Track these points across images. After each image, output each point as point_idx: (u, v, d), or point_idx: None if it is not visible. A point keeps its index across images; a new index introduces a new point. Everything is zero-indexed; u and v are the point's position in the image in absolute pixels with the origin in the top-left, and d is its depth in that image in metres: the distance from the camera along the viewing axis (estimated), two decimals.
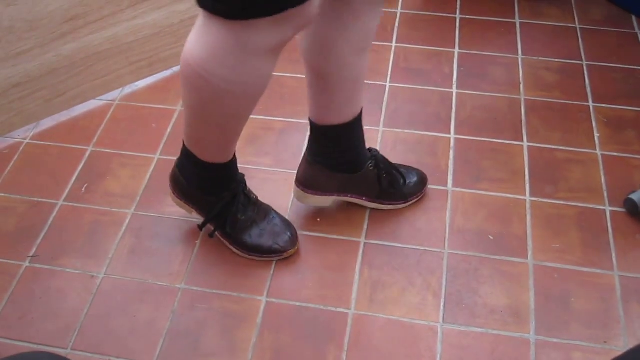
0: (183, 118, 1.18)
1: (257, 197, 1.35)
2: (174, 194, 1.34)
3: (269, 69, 1.03)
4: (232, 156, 1.25)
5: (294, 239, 1.34)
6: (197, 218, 1.35)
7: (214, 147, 1.20)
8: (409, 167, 1.45)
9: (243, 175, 1.31)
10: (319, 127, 1.29)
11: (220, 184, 1.28)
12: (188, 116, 1.15)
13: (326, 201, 1.38)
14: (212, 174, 1.26)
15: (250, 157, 1.54)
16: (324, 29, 1.14)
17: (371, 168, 1.36)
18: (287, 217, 1.39)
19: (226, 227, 1.31)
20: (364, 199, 1.40)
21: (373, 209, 1.43)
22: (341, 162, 1.33)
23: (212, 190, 1.28)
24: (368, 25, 1.16)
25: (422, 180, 1.45)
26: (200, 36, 1.00)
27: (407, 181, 1.42)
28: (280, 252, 1.33)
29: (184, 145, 1.24)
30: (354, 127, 1.30)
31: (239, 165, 1.29)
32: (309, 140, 1.34)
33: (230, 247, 1.34)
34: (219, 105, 1.07)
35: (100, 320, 1.25)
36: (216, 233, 1.33)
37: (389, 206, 1.42)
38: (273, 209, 1.37)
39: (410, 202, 1.43)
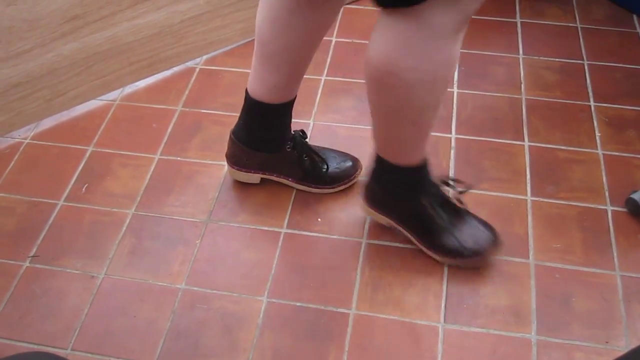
0: (373, 126, 1.18)
1: (460, 201, 1.32)
2: (368, 205, 1.34)
3: (455, 51, 1.03)
4: (424, 155, 1.23)
5: (496, 240, 1.31)
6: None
7: (408, 147, 1.19)
8: (343, 152, 1.47)
9: (434, 180, 1.29)
10: (254, 100, 1.32)
11: (418, 187, 1.26)
12: (381, 120, 1.15)
13: (252, 178, 1.45)
14: (408, 178, 1.25)
15: None
16: (287, 13, 1.18)
17: (289, 149, 1.38)
18: (287, 217, 1.39)
19: (425, 232, 1.30)
20: (289, 179, 1.44)
21: (302, 190, 1.45)
22: (261, 140, 1.38)
23: (409, 195, 1.27)
24: (331, 19, 1.22)
25: (354, 167, 1.46)
26: (382, 36, 1.00)
27: (335, 166, 1.43)
28: (482, 254, 1.30)
29: (376, 154, 1.24)
30: (287, 109, 1.35)
31: None
32: (241, 112, 1.38)
33: (430, 253, 1.32)
34: (412, 99, 1.06)
35: (100, 320, 1.25)
36: (415, 239, 1.32)
37: (315, 189, 1.44)
38: (469, 212, 1.33)
39: (338, 188, 1.45)
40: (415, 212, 1.28)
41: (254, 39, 1.25)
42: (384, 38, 1.00)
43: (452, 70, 1.06)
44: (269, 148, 1.38)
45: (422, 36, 0.97)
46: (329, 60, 1.78)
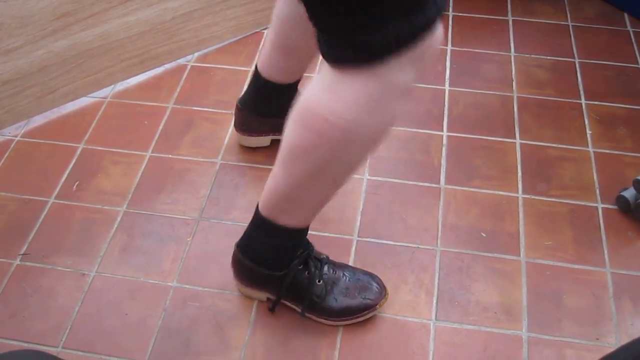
0: (275, 182, 1.07)
1: (327, 257, 1.25)
2: (241, 282, 1.25)
3: (405, 109, 1.02)
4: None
5: (381, 288, 1.24)
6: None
7: (314, 207, 1.11)
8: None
9: (309, 241, 1.22)
10: (265, 80, 1.38)
11: (293, 251, 1.18)
12: (294, 177, 1.03)
13: (263, 141, 1.51)
14: (289, 241, 1.16)
15: (242, 155, 1.53)
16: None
17: None
18: None
19: (304, 298, 1.21)
20: None
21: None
22: (270, 109, 1.44)
23: (282, 263, 1.18)
24: None
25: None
26: (335, 87, 0.92)
27: None
28: (372, 307, 1.22)
29: (257, 218, 1.15)
30: (293, 89, 1.41)
31: (232, 163, 1.27)
32: (250, 89, 1.44)
33: (318, 319, 1.23)
34: (346, 154, 0.99)
35: (91, 318, 1.25)
36: (298, 308, 1.23)
37: None
38: (349, 265, 1.28)
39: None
40: (291, 278, 1.19)
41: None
42: (341, 94, 0.91)
43: (391, 128, 1.03)
44: (281, 113, 1.30)
45: (382, 93, 0.91)
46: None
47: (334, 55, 0.89)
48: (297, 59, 1.34)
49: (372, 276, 1.25)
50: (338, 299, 1.21)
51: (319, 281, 1.20)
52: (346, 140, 0.95)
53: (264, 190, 1.11)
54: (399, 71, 0.89)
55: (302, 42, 1.28)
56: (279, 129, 1.40)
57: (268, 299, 1.25)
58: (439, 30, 0.90)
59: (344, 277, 1.23)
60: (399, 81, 0.91)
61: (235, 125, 1.51)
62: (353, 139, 0.95)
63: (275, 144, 1.46)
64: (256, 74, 1.40)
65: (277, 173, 1.06)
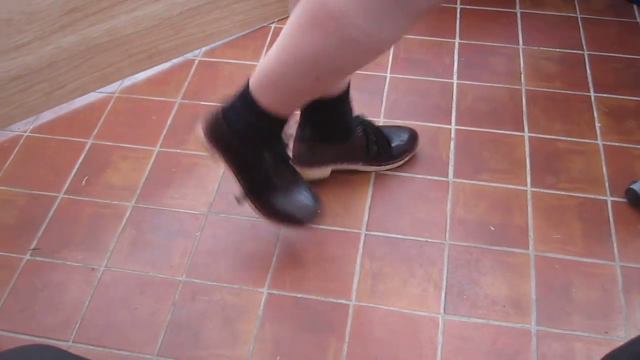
0: (268, 61, 1.07)
1: (295, 169, 1.29)
2: (206, 139, 1.22)
3: (407, 31, 0.99)
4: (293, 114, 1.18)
5: (315, 214, 1.28)
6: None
7: (293, 97, 1.12)
8: (399, 126, 1.52)
9: (287, 144, 1.25)
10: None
11: (265, 139, 1.19)
12: (287, 61, 1.04)
13: (325, 172, 1.45)
14: (264, 124, 1.16)
15: None
16: None
17: (360, 134, 1.41)
18: None
19: (256, 186, 1.24)
20: (359, 163, 1.46)
21: (372, 172, 1.48)
22: (331, 133, 1.39)
23: (253, 142, 1.19)
24: None
25: (414, 137, 1.50)
26: None
27: (396, 143, 1.47)
28: (299, 222, 1.27)
29: (244, 90, 1.14)
30: (344, 99, 1.34)
31: None
32: (300, 116, 1.38)
33: (252, 204, 1.26)
34: (337, 55, 0.99)
35: (101, 312, 1.26)
36: (237, 178, 1.24)
37: (385, 167, 1.48)
38: (304, 181, 1.30)
39: (404, 160, 1.50)
40: (253, 160, 1.21)
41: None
42: None
43: (388, 49, 1.02)
44: (340, 139, 1.40)
45: (394, 5, 0.92)
46: None
47: None
48: None
49: (318, 200, 1.29)
50: (278, 201, 1.25)
51: (276, 179, 1.23)
52: (335, 35, 0.95)
53: (258, 65, 1.12)
54: None
55: None
56: (341, 157, 1.45)
57: (236, 198, 1.28)
58: None
59: (295, 185, 1.27)
60: (418, 2, 0.92)
61: (293, 157, 1.43)
62: (343, 37, 0.95)
63: None
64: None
65: (272, 52, 1.07)
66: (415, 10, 0.94)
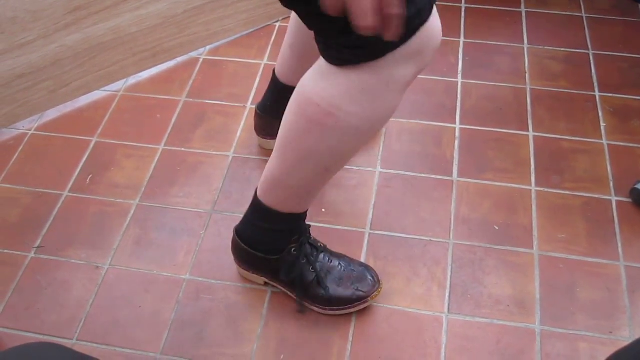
0: (272, 168, 1.09)
1: (325, 246, 1.26)
2: (240, 265, 1.28)
3: (398, 104, 0.99)
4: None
5: (375, 281, 1.24)
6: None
7: (308, 194, 1.12)
8: None
9: (308, 226, 1.23)
10: (283, 85, 1.35)
11: (288, 236, 1.19)
12: (292, 162, 1.05)
13: None
14: (284, 226, 1.18)
15: (254, 148, 1.53)
16: None
17: None
18: None
19: (297, 285, 1.22)
20: None
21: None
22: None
23: (277, 247, 1.20)
24: None
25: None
26: (330, 78, 0.93)
27: None
28: (364, 298, 1.22)
29: (254, 201, 1.17)
30: None
31: (244, 156, 1.27)
32: (266, 93, 1.42)
33: (311, 307, 1.25)
34: (339, 142, 1.00)
35: (105, 311, 1.26)
36: (293, 295, 1.25)
37: None
38: (346, 255, 1.28)
39: None
40: (285, 263, 1.20)
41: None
42: (336, 84, 0.93)
43: (386, 123, 1.02)
44: None
45: (378, 87, 0.92)
46: None
47: (332, 55, 0.91)
48: (315, 60, 1.29)
49: (367, 268, 1.25)
50: (331, 288, 1.22)
51: (311, 268, 1.21)
52: (336, 128, 0.96)
53: (262, 175, 1.13)
54: (396, 66, 0.89)
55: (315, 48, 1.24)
56: None
57: (266, 283, 1.27)
58: (435, 22, 0.90)
59: (339, 267, 1.24)
60: (396, 76, 0.91)
61: (256, 130, 1.50)
62: (343, 128, 0.96)
63: None
64: (274, 80, 1.38)
65: (273, 158, 1.08)
66: (401, 84, 0.93)
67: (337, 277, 1.23)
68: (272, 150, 1.50)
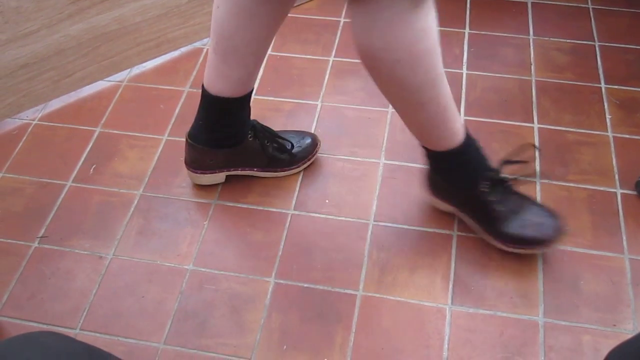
0: (401, 116, 1.17)
1: (510, 182, 1.29)
2: (433, 195, 1.34)
3: (428, 22, 1.00)
4: (462, 136, 1.20)
5: (558, 228, 1.27)
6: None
7: (433, 129, 1.17)
8: (300, 131, 1.48)
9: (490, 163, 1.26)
10: (215, 97, 1.28)
11: (476, 171, 1.24)
12: (395, 105, 1.14)
13: (217, 178, 1.42)
14: (457, 162, 1.23)
15: None
16: (253, 3, 1.15)
17: (251, 139, 1.37)
18: (294, 199, 1.39)
19: (485, 219, 1.28)
20: (255, 169, 1.42)
21: (268, 177, 1.45)
22: (223, 136, 1.35)
23: (466, 180, 1.25)
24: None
25: (314, 142, 1.46)
26: (354, 19, 0.99)
27: (296, 145, 1.44)
28: (545, 242, 1.27)
29: (421, 145, 1.24)
30: (249, 99, 1.32)
31: None
32: (197, 116, 1.34)
33: (490, 239, 1.30)
34: (400, 79, 1.04)
35: (108, 300, 1.26)
36: (475, 223, 1.31)
37: (281, 173, 1.45)
38: (533, 199, 1.32)
39: (302, 167, 1.46)
40: (474, 198, 1.26)
41: None
42: (355, 22, 0.99)
43: (431, 42, 1.03)
44: (232, 142, 1.36)
45: (387, 15, 0.96)
46: (337, 41, 1.77)
47: None
48: (242, 63, 1.24)
49: (552, 215, 1.29)
50: (513, 228, 1.27)
51: (500, 207, 1.26)
52: (385, 66, 1.02)
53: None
54: None
55: (243, 41, 1.20)
56: (233, 163, 1.40)
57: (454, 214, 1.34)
58: None
59: (526, 210, 1.28)
60: (403, 1, 0.95)
61: (185, 161, 1.42)
62: (389, 64, 1.01)
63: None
64: (204, 94, 1.30)
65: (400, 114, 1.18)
66: (410, 3, 0.96)
67: (522, 218, 1.28)
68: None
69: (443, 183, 1.29)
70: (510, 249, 1.29)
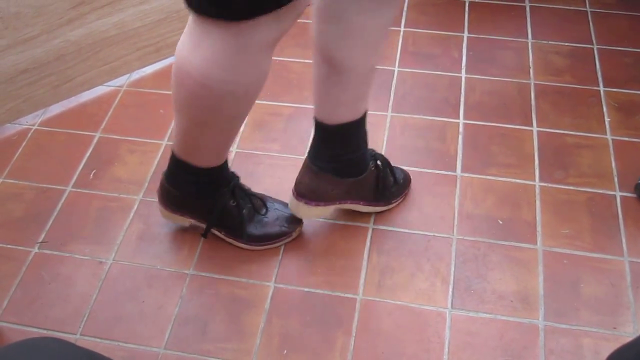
0: (175, 129, 1.14)
1: (250, 188, 1.33)
2: (166, 208, 1.30)
3: (268, 64, 1.02)
4: (226, 157, 1.23)
5: (298, 219, 1.34)
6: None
7: (213, 151, 1.18)
8: (395, 167, 1.41)
9: (234, 172, 1.29)
10: (329, 126, 1.20)
11: (218, 185, 1.25)
12: (184, 125, 1.10)
13: (327, 211, 1.32)
14: (208, 178, 1.23)
15: (258, 143, 1.53)
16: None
17: (373, 168, 1.31)
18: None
19: (229, 224, 1.31)
20: (361, 203, 1.34)
21: (366, 212, 1.39)
22: (348, 164, 1.26)
23: (209, 193, 1.26)
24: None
25: (408, 180, 1.43)
26: (198, 43, 0.96)
27: (397, 180, 1.39)
28: (289, 233, 1.33)
29: (173, 157, 1.21)
30: (364, 122, 1.24)
31: (248, 151, 1.28)
32: (313, 145, 1.26)
33: (238, 243, 1.33)
34: (221, 109, 1.04)
35: (108, 306, 1.26)
36: (221, 233, 1.33)
37: (382, 207, 1.39)
38: (269, 196, 1.37)
39: (395, 204, 1.40)
40: (215, 207, 1.27)
41: None
42: (201, 48, 0.96)
43: (264, 82, 1.04)
44: (357, 171, 1.30)
45: (241, 51, 0.95)
46: None
47: (196, 5, 0.94)
48: (352, 81, 1.16)
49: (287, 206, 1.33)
50: (258, 227, 1.31)
51: (243, 210, 1.29)
52: (213, 97, 1.00)
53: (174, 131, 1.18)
54: (258, 30, 0.92)
55: (347, 53, 1.12)
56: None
57: (191, 225, 1.34)
58: None
59: (265, 208, 1.34)
60: (257, 39, 0.94)
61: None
62: (222, 95, 1.00)
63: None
64: (318, 127, 1.25)
65: (174, 120, 1.13)
66: (263, 46, 0.96)
67: (263, 216, 1.33)
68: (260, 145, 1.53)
69: (183, 197, 1.26)
70: (257, 248, 1.33)
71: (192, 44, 0.98)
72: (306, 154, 1.28)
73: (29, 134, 1.59)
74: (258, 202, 1.34)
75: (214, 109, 1.04)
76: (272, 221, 1.33)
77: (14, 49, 1.49)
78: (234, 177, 1.28)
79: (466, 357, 1.18)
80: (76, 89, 1.65)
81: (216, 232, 1.33)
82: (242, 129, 1.57)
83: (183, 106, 1.07)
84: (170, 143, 1.54)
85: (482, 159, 1.49)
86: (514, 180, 1.45)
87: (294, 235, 1.34)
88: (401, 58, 1.75)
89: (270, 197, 1.37)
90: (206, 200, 1.27)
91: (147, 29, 1.66)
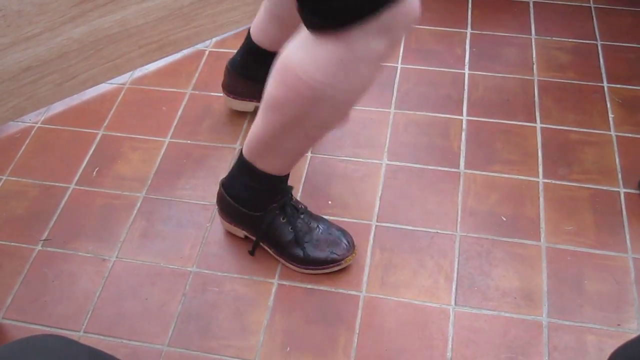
0: (259, 129, 1.12)
1: (306, 207, 1.31)
2: (223, 218, 1.32)
3: (375, 76, 1.02)
4: (290, 171, 1.23)
5: (350, 245, 1.28)
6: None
7: (287, 157, 1.17)
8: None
9: (291, 188, 1.28)
10: (258, 47, 1.40)
11: (271, 196, 1.24)
12: (271, 125, 1.10)
13: (247, 106, 1.53)
14: (266, 185, 1.22)
15: None
16: None
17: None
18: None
19: (277, 241, 1.28)
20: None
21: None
22: (256, 74, 1.41)
23: (259, 205, 1.25)
24: None
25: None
26: (311, 50, 0.97)
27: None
28: (338, 261, 1.27)
29: (240, 160, 1.21)
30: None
31: None
32: (240, 51, 1.46)
33: (284, 262, 1.30)
34: (316, 112, 1.04)
35: (112, 303, 1.26)
36: (271, 250, 1.31)
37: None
38: (325, 218, 1.33)
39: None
40: (268, 220, 1.26)
41: None
42: (312, 53, 0.97)
43: (364, 94, 1.05)
44: (265, 80, 1.34)
45: (352, 59, 0.95)
46: None
47: (307, 20, 0.95)
48: (286, 29, 1.29)
49: (344, 233, 1.30)
50: (307, 249, 1.27)
51: (291, 228, 1.27)
52: (316, 98, 1.00)
53: (249, 133, 1.17)
54: (368, 39, 0.93)
55: (291, 13, 1.23)
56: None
57: (246, 237, 1.32)
58: (412, 1, 0.92)
59: (318, 229, 1.29)
60: (368, 49, 0.94)
61: (222, 86, 1.54)
62: (322, 98, 1.00)
63: None
64: (248, 36, 1.43)
65: (258, 120, 1.12)
66: (374, 58, 0.97)
67: (314, 239, 1.28)
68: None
69: (236, 207, 1.27)
70: (304, 271, 1.29)
71: (305, 48, 0.98)
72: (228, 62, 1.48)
73: (32, 132, 1.59)
74: (312, 223, 1.29)
75: (310, 111, 1.03)
76: (322, 245, 1.28)
77: (17, 46, 1.49)
78: (289, 193, 1.27)
79: (470, 354, 1.17)
80: (79, 87, 1.65)
81: (266, 248, 1.31)
82: (244, 126, 1.56)
83: (278, 105, 1.05)
84: (173, 140, 1.54)
85: (485, 156, 1.49)
86: (517, 176, 1.45)
87: (343, 264, 1.28)
88: (404, 55, 1.75)
89: (327, 220, 1.33)
90: (257, 213, 1.25)
91: (149, 27, 1.66)
